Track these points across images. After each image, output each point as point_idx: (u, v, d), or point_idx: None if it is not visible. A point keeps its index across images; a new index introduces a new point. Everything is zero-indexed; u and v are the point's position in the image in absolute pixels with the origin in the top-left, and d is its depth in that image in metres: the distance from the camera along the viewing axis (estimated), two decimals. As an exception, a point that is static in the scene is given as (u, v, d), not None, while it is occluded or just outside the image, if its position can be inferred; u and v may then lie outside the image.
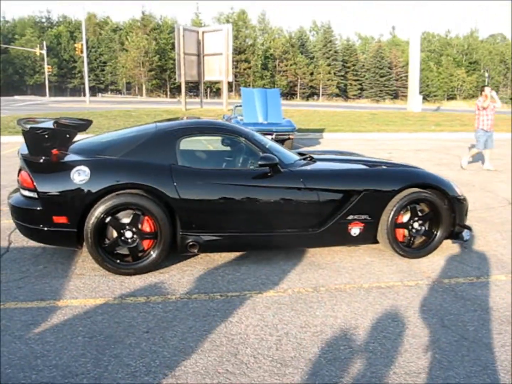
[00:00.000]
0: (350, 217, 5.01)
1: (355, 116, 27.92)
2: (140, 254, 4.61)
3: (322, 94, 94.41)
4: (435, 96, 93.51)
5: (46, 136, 4.56)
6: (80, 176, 4.43)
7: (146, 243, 4.61)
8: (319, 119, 25.58)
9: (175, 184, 4.58)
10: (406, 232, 5.25)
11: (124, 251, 4.58)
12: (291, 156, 5.44)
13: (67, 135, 4.76)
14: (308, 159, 5.60)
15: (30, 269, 4.66)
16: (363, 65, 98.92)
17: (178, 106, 32.62)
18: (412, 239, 5.25)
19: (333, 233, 5.04)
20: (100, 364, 3.07)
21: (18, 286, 4.24)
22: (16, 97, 65.94)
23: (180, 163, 4.77)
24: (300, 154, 5.87)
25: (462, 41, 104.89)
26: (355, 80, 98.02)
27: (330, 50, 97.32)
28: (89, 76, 44.78)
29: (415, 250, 5.26)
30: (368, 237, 5.19)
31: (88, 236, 4.41)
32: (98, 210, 4.39)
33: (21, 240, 5.38)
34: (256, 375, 3.02)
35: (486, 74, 48.17)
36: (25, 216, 4.58)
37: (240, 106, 15.64)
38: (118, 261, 4.56)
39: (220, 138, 5.86)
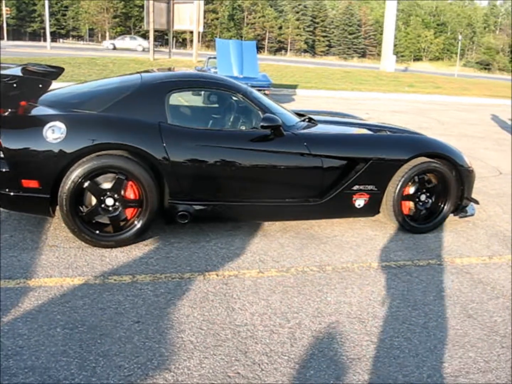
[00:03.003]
0: (356, 187, 4.54)
1: (328, 73, 27.22)
2: (122, 224, 4.04)
3: (290, 49, 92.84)
4: (402, 56, 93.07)
5: (15, 85, 3.86)
6: (54, 134, 3.79)
7: (129, 212, 4.03)
8: (291, 75, 24.80)
9: (164, 145, 3.99)
10: (412, 204, 4.82)
11: (104, 220, 3.99)
12: (292, 117, 4.87)
13: (40, 85, 4.07)
14: (307, 120, 5.06)
15: (-6, 238, 4.05)
16: (332, 22, 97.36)
17: (145, 56, 31.19)
18: (418, 212, 4.83)
19: (337, 204, 4.57)
20: (87, 366, 2.54)
21: (-19, 260, 3.64)
22: (-30, 38, 62.39)
23: (170, 121, 4.16)
24: (298, 114, 5.30)
25: (431, 2, 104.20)
26: (324, 37, 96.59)
27: (299, 5, 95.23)
28: (49, 21, 42.32)
29: (420, 224, 4.85)
30: (373, 209, 4.75)
31: (63, 203, 3.80)
32: (75, 174, 3.77)
33: (-18, 202, 4.71)
34: (273, 379, 2.56)
35: (460, 37, 47.87)
36: (-12, 178, 3.93)
37: (214, 58, 14.88)
38: (97, 231, 3.97)
39: (215, 93, 5.22)
